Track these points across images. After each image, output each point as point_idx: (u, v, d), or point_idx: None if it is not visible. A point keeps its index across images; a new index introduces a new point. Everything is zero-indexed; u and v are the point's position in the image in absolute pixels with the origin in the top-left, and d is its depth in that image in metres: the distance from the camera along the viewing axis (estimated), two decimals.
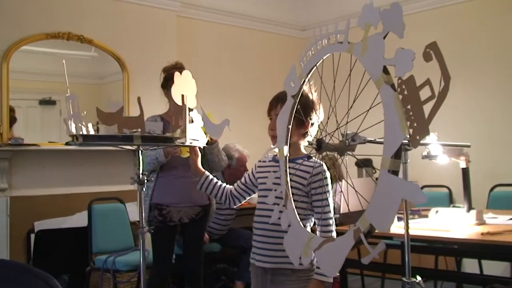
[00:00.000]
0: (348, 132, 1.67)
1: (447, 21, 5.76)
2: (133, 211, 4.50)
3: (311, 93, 2.21)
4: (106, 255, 3.98)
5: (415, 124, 1.32)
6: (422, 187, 4.83)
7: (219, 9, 6.11)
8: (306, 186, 2.19)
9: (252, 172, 2.45)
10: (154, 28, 5.46)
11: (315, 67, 1.81)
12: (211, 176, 2.53)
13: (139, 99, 2.19)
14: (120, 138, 2.17)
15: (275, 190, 1.96)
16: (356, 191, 1.82)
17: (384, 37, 1.45)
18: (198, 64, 5.85)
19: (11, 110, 4.68)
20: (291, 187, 1.93)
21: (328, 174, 2.21)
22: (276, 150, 1.98)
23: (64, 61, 2.50)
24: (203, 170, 2.55)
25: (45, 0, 4.80)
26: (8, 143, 4.39)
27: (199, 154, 2.56)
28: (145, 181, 2.50)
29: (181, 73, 2.44)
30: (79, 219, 4.52)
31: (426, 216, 3.47)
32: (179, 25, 5.71)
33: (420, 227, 3.10)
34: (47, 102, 5.14)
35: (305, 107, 2.13)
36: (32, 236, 4.37)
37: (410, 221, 3.40)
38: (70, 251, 4.34)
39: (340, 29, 1.66)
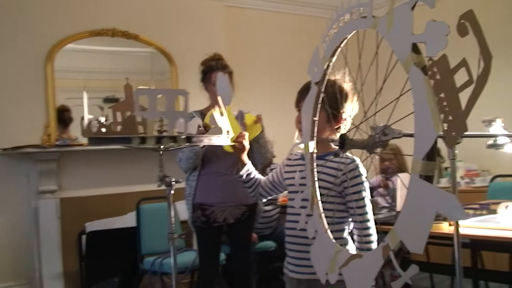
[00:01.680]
0: (378, 124, 1.40)
1: None
2: (183, 209, 4.35)
3: (344, 81, 1.93)
4: (154, 257, 3.85)
5: (450, 118, 1.04)
6: (494, 177, 4.40)
7: None
8: (338, 186, 1.92)
9: (280, 170, 2.20)
10: (201, 20, 5.29)
11: (339, 49, 1.55)
12: (251, 168, 2.33)
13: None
14: (134, 140, 1.99)
15: (301, 192, 1.72)
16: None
17: (413, 8, 1.17)
18: (248, 54, 5.66)
19: (66, 110, 4.65)
20: (321, 187, 1.68)
21: (363, 171, 1.93)
22: (302, 145, 1.73)
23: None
24: (247, 160, 2.33)
25: None
26: (55, 144, 4.35)
27: (246, 147, 2.33)
28: (173, 182, 2.34)
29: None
30: (130, 219, 4.42)
31: (495, 212, 3.10)
32: (227, 15, 5.51)
33: (487, 226, 2.75)
34: (111, 100, 5.09)
35: (337, 98, 1.86)
36: (84, 237, 4.32)
37: (477, 218, 3.06)
38: (121, 252, 4.25)
39: (363, 1, 1.40)
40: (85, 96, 2.36)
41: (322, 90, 1.61)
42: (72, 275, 4.34)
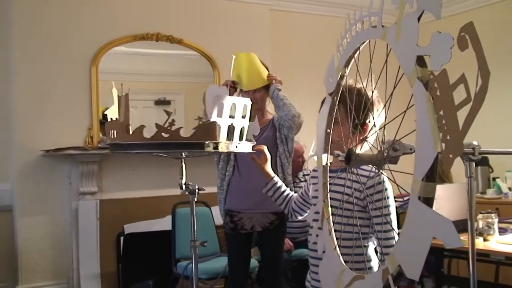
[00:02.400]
0: (386, 138, 1.32)
1: None
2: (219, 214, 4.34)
3: (371, 90, 1.85)
4: (188, 261, 3.85)
5: (448, 137, 0.96)
6: None
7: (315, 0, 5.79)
8: (363, 200, 1.83)
9: (307, 183, 2.14)
10: (246, 24, 5.28)
11: (353, 59, 1.48)
12: (280, 183, 2.28)
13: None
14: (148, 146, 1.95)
15: (314, 204, 1.66)
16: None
17: (419, 18, 1.10)
18: (291, 58, 5.60)
19: None
20: (344, 201, 1.62)
21: (389, 186, 1.83)
22: (315, 157, 1.67)
23: None
24: (272, 174, 2.30)
25: (132, 2, 4.79)
26: (97, 146, 4.43)
27: (268, 157, 2.30)
28: (197, 190, 2.32)
29: None
30: (168, 222, 4.44)
31: None
32: (273, 19, 5.47)
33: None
34: (162, 102, 5.16)
35: (362, 106, 1.77)
36: (122, 239, 4.37)
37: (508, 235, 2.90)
38: (157, 255, 4.28)
39: (375, 10, 1.33)
40: (115, 94, 2.25)
41: (337, 99, 1.54)
42: (109, 276, 4.40)
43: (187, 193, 2.29)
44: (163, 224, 4.46)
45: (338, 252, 1.50)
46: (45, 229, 4.32)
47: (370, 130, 1.90)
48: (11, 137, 4.37)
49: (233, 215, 3.15)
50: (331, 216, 1.58)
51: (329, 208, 1.59)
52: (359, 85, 1.89)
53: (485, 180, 5.25)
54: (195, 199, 2.32)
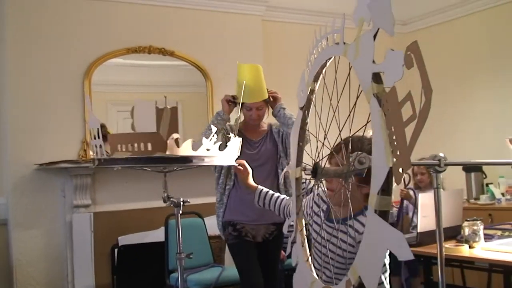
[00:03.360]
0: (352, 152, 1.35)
1: None
2: (213, 224, 4.36)
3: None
4: None
5: (398, 153, 0.99)
6: None
7: (308, 9, 5.81)
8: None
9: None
10: (238, 34, 5.32)
11: (321, 75, 1.52)
12: (265, 189, 2.32)
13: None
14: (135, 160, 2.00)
15: (289, 217, 1.69)
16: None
17: (375, 36, 1.14)
18: (284, 68, 5.62)
19: (102, 126, 4.74)
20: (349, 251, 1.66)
21: None
22: (290, 171, 1.70)
23: None
24: (255, 185, 2.34)
25: (124, 15, 4.83)
26: (91, 159, 4.45)
27: (249, 171, 2.35)
28: (182, 203, 2.36)
29: None
30: (162, 233, 4.46)
31: None
32: (265, 30, 5.51)
33: (506, 250, 2.61)
34: None
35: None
36: (116, 251, 4.39)
37: (499, 241, 2.92)
38: (151, 266, 4.30)
39: (337, 26, 1.37)
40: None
41: (308, 114, 1.58)
42: None
43: (171, 205, 2.33)
44: (157, 235, 4.47)
45: (310, 263, 1.53)
46: (40, 242, 4.34)
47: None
48: (5, 151, 4.40)
49: (235, 224, 3.15)
50: (304, 229, 1.61)
51: (303, 221, 1.62)
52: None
53: (479, 186, 5.26)
54: (180, 212, 2.35)
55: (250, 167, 2.40)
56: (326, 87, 1.48)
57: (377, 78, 1.10)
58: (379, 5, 1.08)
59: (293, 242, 1.60)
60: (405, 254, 0.97)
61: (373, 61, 1.10)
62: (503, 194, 4.94)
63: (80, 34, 4.64)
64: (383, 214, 1.06)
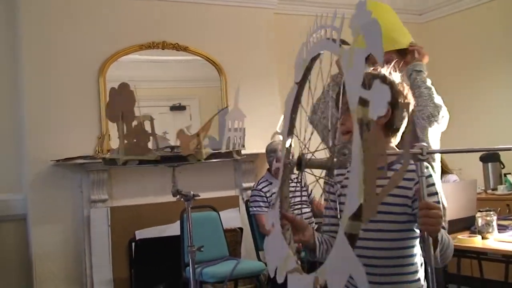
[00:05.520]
0: (337, 144, 1.35)
1: None
2: (229, 217, 4.41)
3: (391, 73, 1.82)
4: (196, 265, 3.90)
5: (367, 194, 0.97)
6: None
7: (320, 2, 5.79)
8: (411, 205, 1.70)
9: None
10: (250, 28, 5.33)
11: (318, 59, 1.52)
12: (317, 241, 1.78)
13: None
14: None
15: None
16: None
17: (366, 59, 1.09)
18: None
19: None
20: (394, 203, 1.66)
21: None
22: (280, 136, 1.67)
23: None
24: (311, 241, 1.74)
25: (137, 11, 4.87)
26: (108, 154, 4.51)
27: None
28: (193, 197, 2.38)
29: None
30: (178, 227, 4.50)
31: None
32: (277, 23, 5.51)
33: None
34: (178, 108, 5.24)
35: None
36: (134, 245, 4.44)
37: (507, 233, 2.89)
38: (167, 259, 4.35)
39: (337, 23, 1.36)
40: None
41: (303, 89, 1.57)
42: (122, 282, 4.48)
43: (182, 200, 2.35)
44: (173, 229, 4.52)
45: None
46: (58, 237, 4.42)
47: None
48: (23, 149, 4.48)
49: None
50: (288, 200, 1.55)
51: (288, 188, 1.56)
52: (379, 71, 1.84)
53: (497, 177, 5.21)
54: (191, 205, 2.38)
55: None
56: (322, 76, 1.48)
57: (364, 102, 1.06)
58: (371, 31, 1.04)
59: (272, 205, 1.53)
60: (361, 284, 0.95)
61: (363, 83, 1.05)
62: None
63: (94, 32, 4.69)
64: (351, 237, 1.03)
